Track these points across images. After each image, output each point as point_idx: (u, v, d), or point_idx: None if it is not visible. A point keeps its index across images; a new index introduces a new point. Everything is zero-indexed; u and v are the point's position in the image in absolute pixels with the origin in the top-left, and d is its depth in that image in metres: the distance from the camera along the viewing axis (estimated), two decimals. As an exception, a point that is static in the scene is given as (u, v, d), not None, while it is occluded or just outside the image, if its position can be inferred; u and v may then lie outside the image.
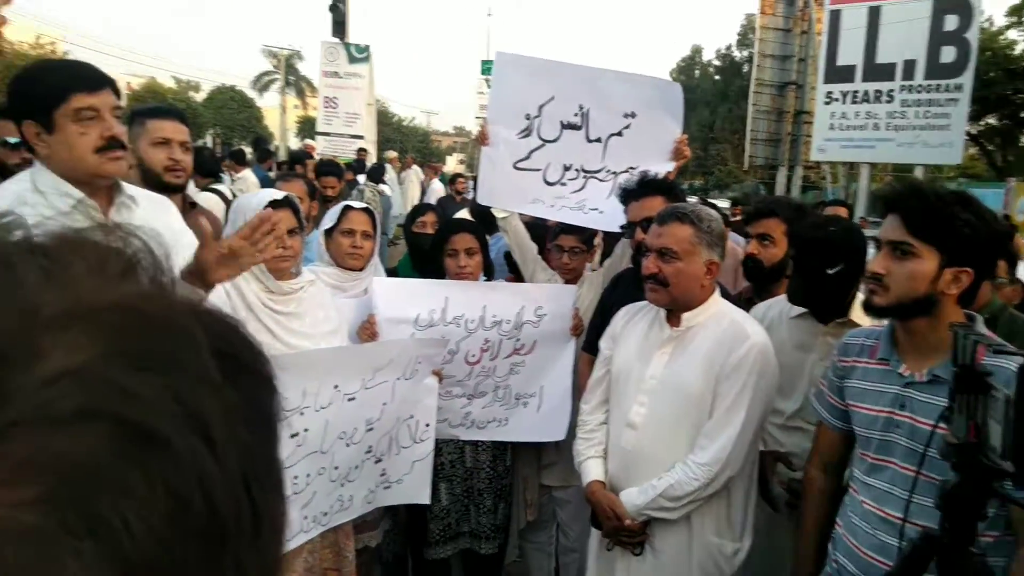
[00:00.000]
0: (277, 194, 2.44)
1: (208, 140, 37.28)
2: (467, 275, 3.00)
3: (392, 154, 15.52)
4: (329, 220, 2.91)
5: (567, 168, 3.23)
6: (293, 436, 2.28)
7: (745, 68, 35.46)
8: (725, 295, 2.44)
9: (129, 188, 2.10)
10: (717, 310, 2.28)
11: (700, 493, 2.14)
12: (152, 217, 2.14)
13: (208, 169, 5.52)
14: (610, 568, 2.34)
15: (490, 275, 3.21)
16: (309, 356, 2.38)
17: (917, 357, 1.75)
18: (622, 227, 2.91)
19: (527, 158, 3.23)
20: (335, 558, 2.54)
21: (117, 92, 2.02)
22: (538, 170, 3.22)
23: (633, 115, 3.20)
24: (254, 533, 0.30)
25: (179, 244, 2.19)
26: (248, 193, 2.62)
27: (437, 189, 12.67)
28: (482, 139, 3.23)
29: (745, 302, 2.90)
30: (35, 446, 0.24)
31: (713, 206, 3.22)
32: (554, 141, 3.22)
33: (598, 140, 3.24)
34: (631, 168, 3.17)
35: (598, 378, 2.49)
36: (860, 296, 2.23)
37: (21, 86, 1.97)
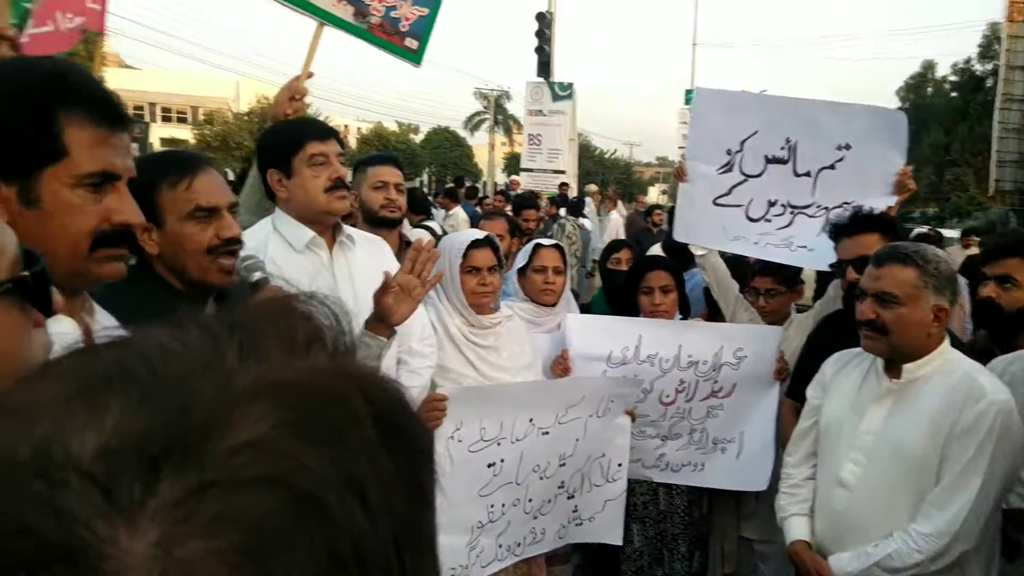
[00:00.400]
0: (478, 234, 2.59)
1: (424, 178, 40.32)
2: (662, 313, 2.95)
3: (593, 188, 15.73)
4: (522, 258, 3.01)
5: (772, 204, 3.09)
6: (490, 466, 2.38)
7: (988, 82, 31.70)
8: (956, 344, 2.17)
9: (348, 230, 2.33)
10: (946, 361, 2.03)
11: (924, 568, 1.91)
12: (367, 256, 2.36)
13: (420, 207, 5.98)
14: None
15: (686, 313, 3.13)
16: (508, 389, 2.48)
17: None
18: (831, 265, 2.72)
19: (728, 194, 3.14)
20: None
21: (341, 142, 2.30)
22: (740, 206, 3.11)
23: (847, 147, 3.00)
24: None
25: None
26: (453, 232, 2.80)
27: (615, 221, 12.36)
28: (680, 175, 3.19)
29: (980, 353, 2.56)
30: (225, 505, 0.28)
31: (940, 237, 2.90)
32: (758, 176, 3.10)
33: (807, 174, 3.08)
34: (846, 203, 2.96)
35: (804, 429, 2.32)
36: None
37: (266, 140, 2.32)
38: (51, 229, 1.06)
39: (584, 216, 10.39)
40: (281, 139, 2.22)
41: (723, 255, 3.15)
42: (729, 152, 3.10)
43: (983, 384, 1.95)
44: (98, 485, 0.27)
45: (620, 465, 2.71)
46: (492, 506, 2.40)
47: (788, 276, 3.02)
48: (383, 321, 1.92)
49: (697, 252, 3.12)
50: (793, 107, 3.07)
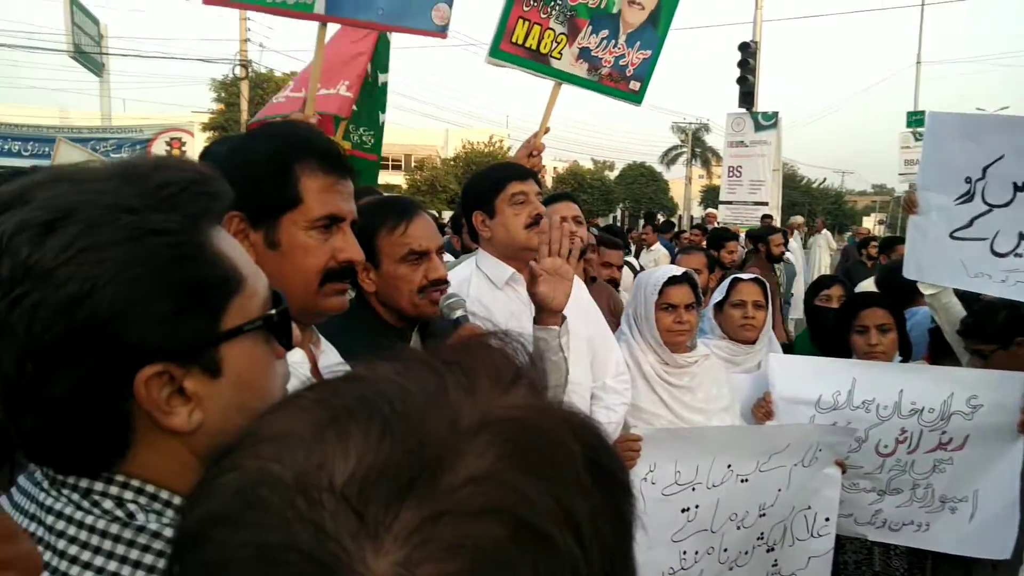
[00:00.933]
0: (675, 270, 2.56)
1: (617, 213, 40.37)
2: (878, 354, 2.73)
3: (798, 220, 14.89)
4: (719, 293, 2.93)
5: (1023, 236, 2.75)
6: (684, 511, 2.32)
7: None
8: None
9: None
10: None
11: None
12: None
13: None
14: None
15: (906, 355, 2.86)
16: (705, 433, 2.41)
17: None
18: None
19: (968, 226, 2.84)
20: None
21: (539, 182, 2.42)
22: (983, 239, 2.80)
23: None
24: None
25: (584, 312, 2.44)
26: (650, 269, 2.80)
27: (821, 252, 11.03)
28: (910, 207, 2.96)
29: None
30: (457, 532, 0.32)
31: None
32: (1005, 205, 2.77)
33: None
34: None
35: None
36: None
37: (471, 184, 2.51)
38: (287, 268, 1.21)
39: (787, 250, 9.83)
40: (484, 182, 2.37)
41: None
42: (969, 180, 2.81)
43: None
44: (352, 508, 0.32)
45: (828, 520, 2.51)
46: (684, 553, 2.32)
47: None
48: (546, 310, 1.95)
49: (928, 291, 2.86)
50: None
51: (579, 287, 2.56)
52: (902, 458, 2.63)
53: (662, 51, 3.25)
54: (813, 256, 14.29)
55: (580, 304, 2.47)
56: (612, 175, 46.85)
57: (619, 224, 29.53)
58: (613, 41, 3.12)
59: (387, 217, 1.81)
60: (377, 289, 1.81)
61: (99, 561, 0.62)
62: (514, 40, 3.00)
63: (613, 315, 2.94)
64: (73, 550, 0.62)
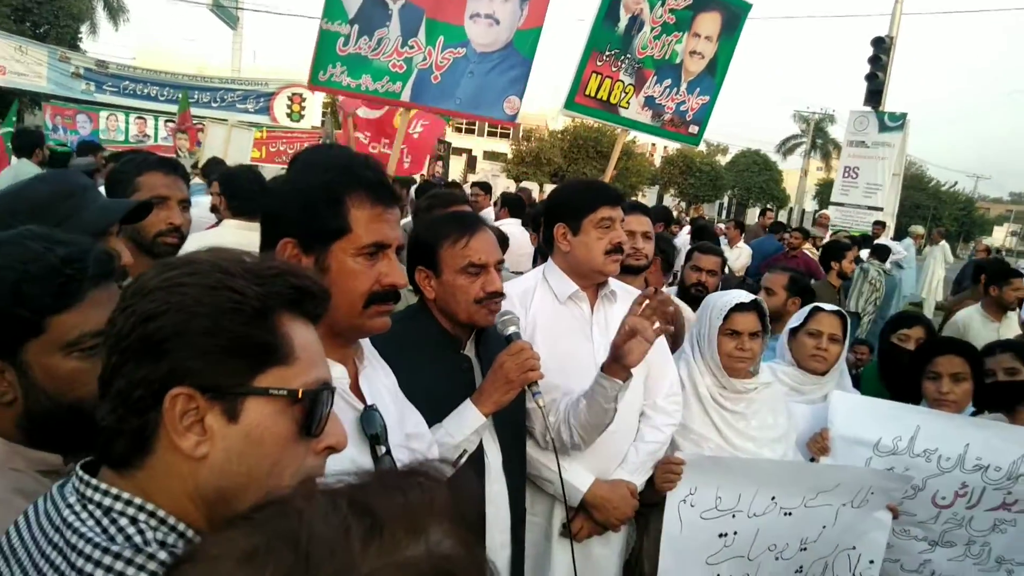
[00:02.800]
0: (743, 296, 2.54)
1: (724, 200, 39.18)
2: (949, 404, 2.64)
3: (918, 230, 14.05)
4: (796, 319, 2.89)
5: None
6: (722, 536, 2.35)
7: None
8: None
9: (611, 283, 2.47)
10: None
11: None
12: (625, 308, 2.47)
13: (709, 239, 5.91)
14: None
15: (981, 407, 2.75)
16: (751, 464, 2.42)
17: None
18: None
19: None
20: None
21: (624, 207, 2.46)
22: None
23: None
24: None
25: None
26: (718, 293, 2.77)
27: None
28: None
29: None
30: None
31: None
32: None
33: None
34: None
35: None
36: None
37: (562, 196, 2.57)
38: (335, 290, 1.28)
39: (891, 262, 9.31)
40: (576, 198, 2.43)
41: None
42: None
43: None
44: None
45: (872, 562, 2.49)
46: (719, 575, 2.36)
47: None
48: (619, 363, 2.04)
49: None
50: None
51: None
52: (960, 512, 2.55)
53: (718, 97, 3.54)
54: (926, 269, 13.49)
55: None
56: (724, 160, 45.40)
57: (724, 212, 28.66)
58: (675, 88, 3.44)
59: (452, 230, 1.93)
60: (437, 296, 1.94)
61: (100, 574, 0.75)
62: (587, 93, 3.37)
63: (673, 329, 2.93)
64: (88, 568, 0.75)
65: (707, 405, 2.51)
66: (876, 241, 10.88)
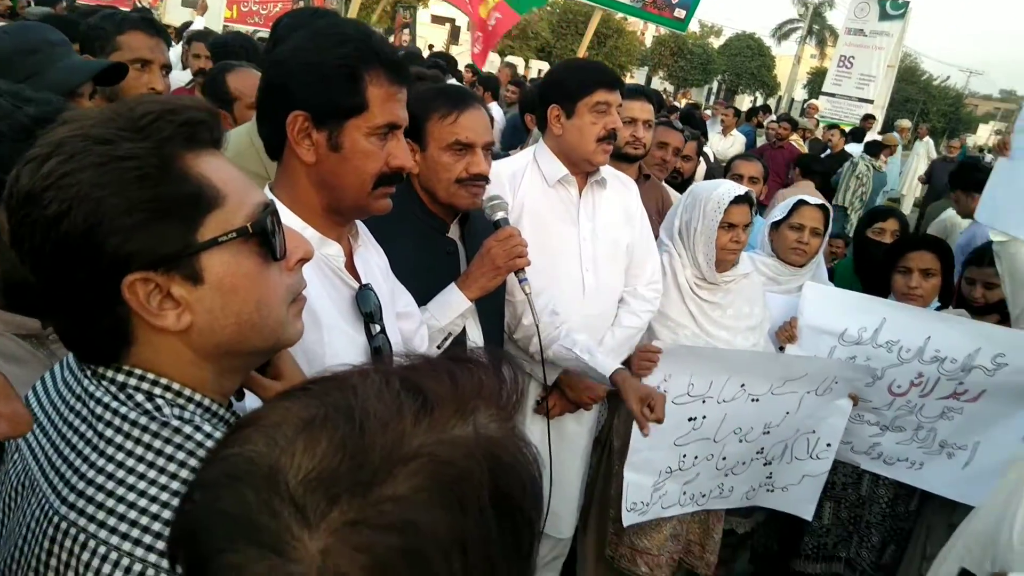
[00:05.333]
0: (739, 189, 2.54)
1: (714, 85, 38.27)
2: (916, 298, 2.74)
3: (904, 123, 13.93)
4: (780, 212, 2.92)
5: None
6: (691, 419, 2.48)
7: None
8: None
9: (602, 170, 2.44)
10: None
11: None
12: (614, 195, 2.48)
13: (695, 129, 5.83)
14: None
15: (946, 303, 2.86)
16: (724, 354, 2.51)
17: None
18: None
19: None
20: (702, 533, 2.72)
21: (623, 91, 2.39)
22: None
23: None
24: None
25: (629, 217, 2.50)
26: (710, 183, 2.75)
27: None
28: (1002, 149, 2.83)
29: None
30: (365, 538, 0.44)
31: None
32: None
33: None
34: None
35: None
36: None
37: (558, 75, 2.48)
38: (347, 169, 1.30)
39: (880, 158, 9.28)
40: (573, 79, 2.34)
41: None
42: None
43: None
44: (302, 501, 0.45)
45: (829, 445, 2.66)
46: (684, 456, 2.51)
47: None
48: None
49: (997, 237, 2.76)
50: None
51: (629, 189, 2.59)
52: (913, 400, 2.71)
53: None
54: (909, 165, 13.49)
55: (627, 209, 2.53)
56: (717, 43, 43.95)
57: (713, 97, 28.10)
58: (661, -29, 3.06)
59: (442, 104, 1.86)
60: (420, 172, 1.89)
61: (129, 445, 0.77)
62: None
63: (660, 215, 2.96)
64: (109, 433, 0.77)
65: (685, 295, 2.57)
66: (868, 135, 10.81)
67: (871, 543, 2.79)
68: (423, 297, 1.83)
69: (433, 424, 0.49)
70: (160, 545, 0.72)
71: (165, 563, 0.71)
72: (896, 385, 2.71)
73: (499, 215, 1.92)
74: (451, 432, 0.49)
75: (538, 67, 26.86)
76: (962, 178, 4.78)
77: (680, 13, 3.33)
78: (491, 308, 2.02)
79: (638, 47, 34.28)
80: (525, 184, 2.35)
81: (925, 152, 13.44)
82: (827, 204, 2.94)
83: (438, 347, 1.84)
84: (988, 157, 12.57)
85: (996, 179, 2.83)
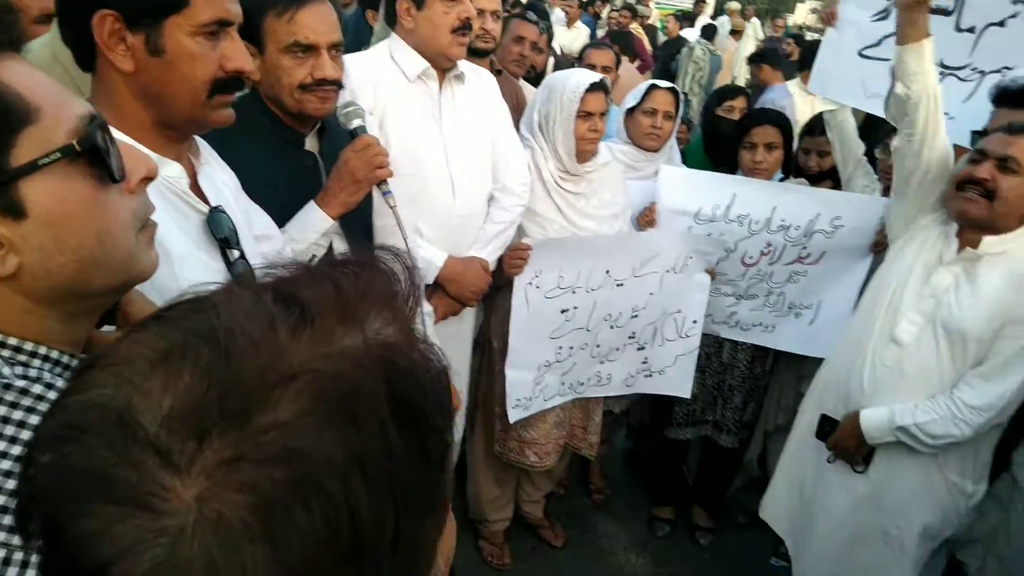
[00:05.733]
0: (592, 76, 2.53)
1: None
2: (761, 171, 2.88)
3: (734, 4, 14.34)
4: (632, 98, 2.94)
5: None
6: (564, 312, 2.53)
7: None
8: None
9: (461, 65, 2.34)
10: (1021, 245, 2.02)
11: (963, 437, 2.03)
12: (474, 90, 2.39)
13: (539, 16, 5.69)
14: (819, 477, 2.32)
15: (788, 173, 3.04)
16: (587, 242, 2.56)
17: None
18: (974, 132, 2.52)
19: (876, 45, 2.85)
20: (584, 417, 2.85)
21: None
22: (885, 60, 2.82)
23: None
24: (392, 550, 0.42)
25: (490, 112, 2.42)
26: (562, 73, 2.71)
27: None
28: (829, 19, 2.93)
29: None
30: (247, 475, 0.37)
31: None
32: None
33: (970, 30, 2.74)
34: (1006, 68, 2.66)
35: None
36: None
37: None
38: (173, 77, 1.13)
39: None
40: None
41: None
42: None
43: None
44: (165, 443, 0.38)
45: (695, 322, 2.81)
46: (560, 348, 2.58)
47: None
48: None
49: (826, 107, 2.92)
50: None
51: (488, 83, 2.51)
52: (763, 268, 2.90)
53: None
54: (742, 46, 14.01)
55: (489, 104, 2.45)
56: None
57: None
58: None
59: None
60: (262, 80, 1.70)
61: None
62: None
63: (518, 112, 2.90)
64: None
65: (551, 189, 2.58)
66: (699, 18, 11.09)
67: (734, 404, 3.03)
68: (284, 218, 1.69)
69: (315, 336, 0.42)
70: (7, 520, 0.62)
71: (16, 539, 0.62)
72: (748, 256, 2.89)
73: (355, 123, 1.78)
74: (338, 343, 0.43)
75: None
76: (761, 55, 5.57)
77: None
78: (357, 224, 1.90)
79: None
80: (387, 82, 2.20)
81: (753, 33, 13.96)
82: (677, 88, 2.99)
83: None
84: (808, 35, 13.31)
85: (825, 50, 2.96)
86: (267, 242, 1.47)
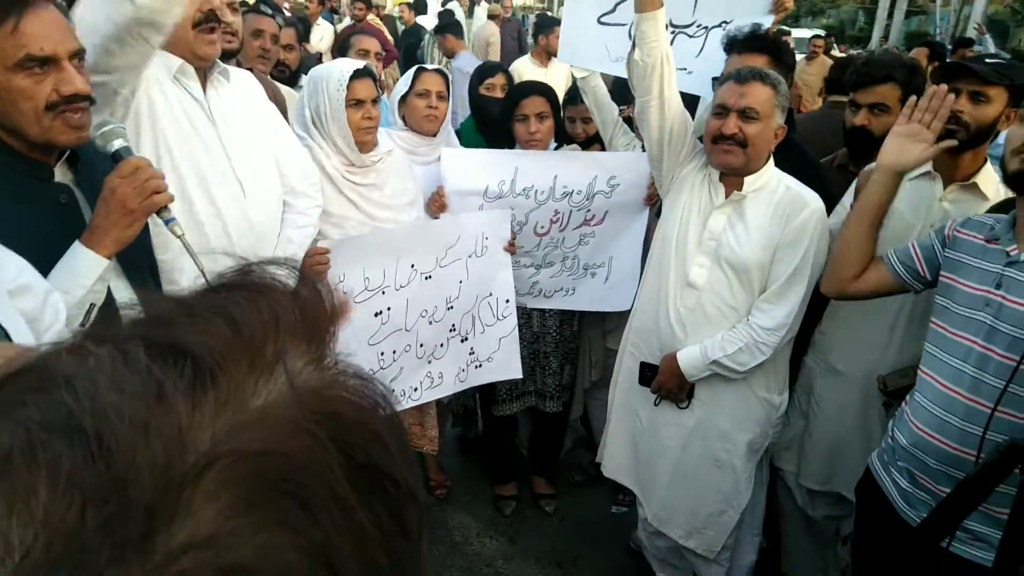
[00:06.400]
0: (356, 64, 2.43)
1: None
2: (537, 141, 2.95)
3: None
4: (403, 85, 2.87)
5: None
6: (377, 315, 2.42)
7: None
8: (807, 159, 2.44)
9: (221, 64, 2.10)
10: (771, 177, 2.28)
11: (766, 358, 2.23)
12: (242, 92, 2.16)
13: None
14: (651, 420, 2.46)
15: (561, 140, 3.14)
16: (384, 236, 2.46)
17: None
18: (715, 78, 2.75)
19: (612, 11, 3.01)
20: (418, 414, 2.77)
21: None
22: (623, 25, 2.98)
23: None
24: None
25: (264, 113, 2.22)
26: (322, 65, 2.56)
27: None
28: None
29: (838, 169, 2.77)
30: None
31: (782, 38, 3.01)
32: None
33: None
34: (725, 22, 2.94)
35: None
36: (989, 166, 2.21)
37: None
38: None
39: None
40: None
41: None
42: None
43: (804, 196, 2.23)
44: None
45: (508, 301, 2.82)
46: (382, 354, 2.46)
47: None
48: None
49: (579, 74, 3.03)
50: None
51: (251, 82, 2.29)
52: (555, 236, 2.99)
53: None
54: (478, 29, 14.41)
55: (257, 103, 2.24)
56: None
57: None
58: None
59: None
60: None
61: None
62: None
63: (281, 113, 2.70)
64: None
65: (340, 185, 2.44)
66: (429, 5, 11.19)
67: (552, 369, 3.11)
68: (42, 264, 1.39)
69: (222, 399, 0.30)
70: None
71: None
72: (539, 226, 2.95)
73: (116, 144, 1.52)
74: (255, 403, 0.30)
75: None
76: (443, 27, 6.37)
77: None
78: (141, 260, 1.63)
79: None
80: (143, 84, 1.89)
81: (484, 15, 14.44)
82: (443, 70, 2.96)
83: (81, 324, 1.44)
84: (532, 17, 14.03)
85: (567, 20, 3.09)
86: (25, 294, 1.20)
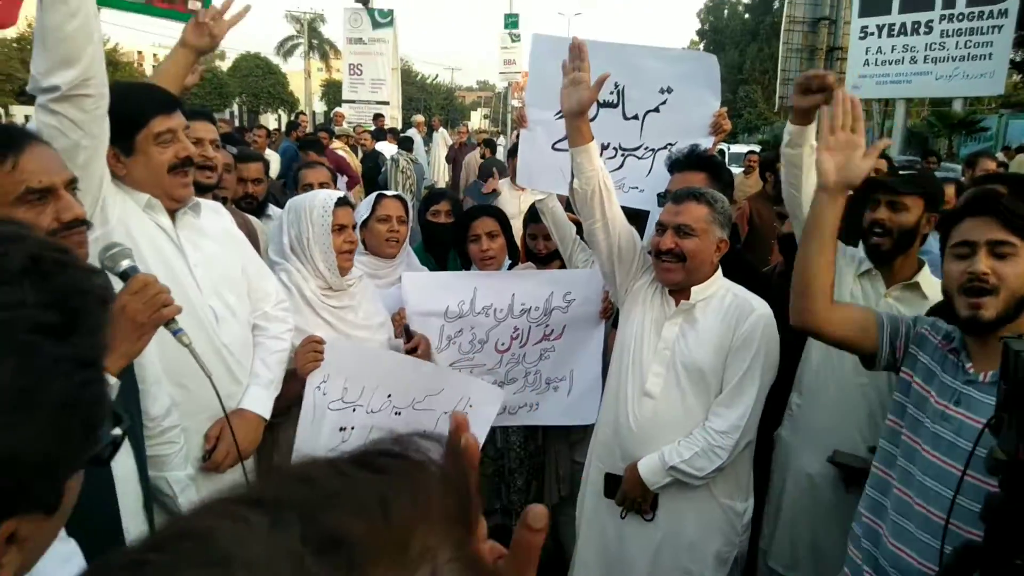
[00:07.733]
0: (337, 193, 2.56)
1: (235, 109, 37.45)
2: (490, 259, 3.05)
3: (418, 118, 15.46)
4: (365, 209, 2.98)
5: (605, 147, 3.17)
6: (341, 430, 2.41)
7: (776, 5, 34.23)
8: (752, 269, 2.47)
9: (194, 199, 2.15)
10: (719, 286, 2.39)
11: (725, 463, 2.25)
12: (213, 222, 2.22)
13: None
14: (619, 535, 2.44)
15: (515, 257, 3.26)
16: (379, 356, 2.52)
17: (985, 357, 1.71)
18: (659, 194, 2.92)
19: (565, 138, 3.21)
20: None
21: (184, 110, 2.10)
22: None
23: (669, 90, 3.16)
24: None
25: (234, 240, 2.28)
26: (301, 195, 2.67)
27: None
28: (521, 122, 3.24)
29: (780, 275, 2.91)
30: None
31: (720, 156, 3.22)
32: (591, 120, 3.19)
33: (635, 117, 3.20)
34: (670, 144, 3.15)
35: None
36: (927, 269, 2.35)
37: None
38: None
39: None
40: (119, 115, 1.89)
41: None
42: None
43: (751, 302, 2.33)
44: None
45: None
46: None
47: None
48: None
49: (536, 196, 3.17)
50: (619, 53, 3.14)
51: (222, 215, 2.36)
52: (516, 352, 3.04)
53: None
54: (433, 154, 15.09)
55: (228, 232, 2.31)
56: (224, 66, 42.90)
57: (237, 121, 27.47)
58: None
59: None
60: None
61: None
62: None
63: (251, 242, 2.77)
64: None
65: (317, 307, 2.49)
66: (384, 130, 11.73)
67: (517, 486, 3.08)
68: None
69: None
70: None
71: None
72: (500, 343, 3.01)
73: (124, 264, 1.59)
74: None
75: (24, 112, 22.80)
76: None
77: (195, 5, 3.02)
78: (126, 383, 1.63)
79: (139, 78, 31.57)
80: (116, 211, 1.94)
81: (442, 140, 15.16)
82: (402, 196, 3.10)
83: (112, 443, 1.42)
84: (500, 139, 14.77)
85: (523, 147, 3.29)
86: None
